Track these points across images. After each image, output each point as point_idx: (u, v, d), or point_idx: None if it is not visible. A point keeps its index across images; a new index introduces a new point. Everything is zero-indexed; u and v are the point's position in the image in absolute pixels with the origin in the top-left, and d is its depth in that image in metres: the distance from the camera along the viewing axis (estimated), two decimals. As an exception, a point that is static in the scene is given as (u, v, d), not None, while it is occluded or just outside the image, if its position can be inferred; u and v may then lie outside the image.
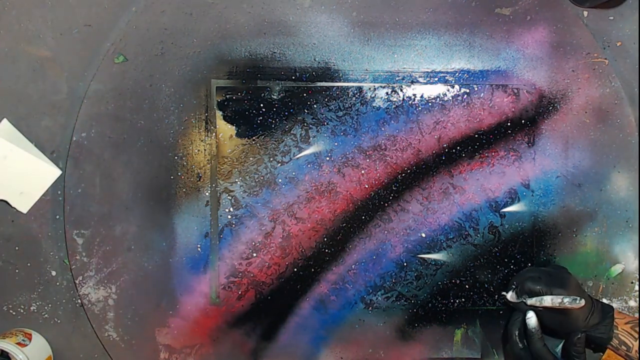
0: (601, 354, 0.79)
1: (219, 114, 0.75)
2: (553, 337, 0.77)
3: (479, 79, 0.77)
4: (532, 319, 0.69)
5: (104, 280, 0.75)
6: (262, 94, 0.75)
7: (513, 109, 0.77)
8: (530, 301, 0.68)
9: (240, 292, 0.77)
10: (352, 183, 0.77)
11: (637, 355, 0.68)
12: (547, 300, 0.66)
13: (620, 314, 0.70)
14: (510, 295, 0.72)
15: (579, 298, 0.65)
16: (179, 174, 0.76)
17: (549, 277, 0.69)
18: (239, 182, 0.76)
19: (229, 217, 0.76)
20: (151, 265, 0.76)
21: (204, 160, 0.76)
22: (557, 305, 0.65)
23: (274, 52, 0.75)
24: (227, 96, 0.75)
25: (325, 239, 0.77)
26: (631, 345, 0.68)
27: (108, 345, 0.76)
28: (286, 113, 0.76)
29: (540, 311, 0.69)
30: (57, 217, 0.76)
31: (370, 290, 0.78)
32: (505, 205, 0.78)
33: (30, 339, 0.74)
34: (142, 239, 0.76)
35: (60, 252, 0.76)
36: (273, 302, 0.78)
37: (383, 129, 0.76)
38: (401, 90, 0.77)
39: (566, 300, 0.65)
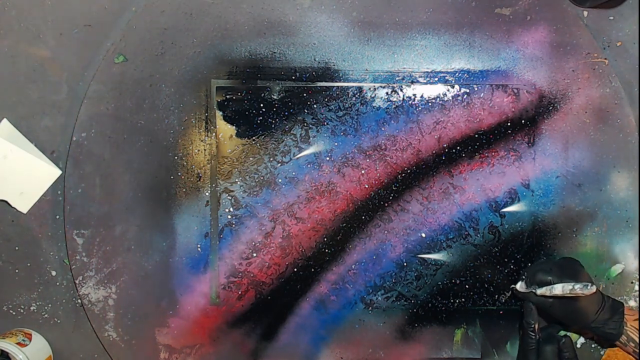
0: (602, 353, 0.79)
1: (219, 114, 0.75)
2: (563, 330, 0.77)
3: (479, 79, 0.77)
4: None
5: (104, 280, 0.75)
6: (262, 94, 0.75)
7: (513, 109, 0.77)
8: (540, 291, 0.67)
9: (240, 292, 0.77)
10: (352, 183, 0.77)
11: None
12: (558, 289, 0.65)
13: (629, 311, 0.70)
14: (519, 285, 0.70)
15: (590, 284, 0.63)
16: (179, 174, 0.76)
17: (560, 269, 0.69)
18: (239, 182, 0.76)
19: (229, 217, 0.76)
20: (151, 265, 0.76)
21: (204, 160, 0.76)
22: (568, 292, 0.64)
23: (274, 52, 0.75)
24: (227, 96, 0.75)
25: (325, 239, 0.77)
26: None
27: (108, 345, 0.76)
28: (286, 113, 0.76)
29: (550, 303, 0.69)
30: (57, 217, 0.76)
31: (370, 290, 0.78)
32: (505, 205, 0.78)
33: (30, 339, 0.74)
34: (142, 239, 0.76)
35: (60, 252, 0.76)
36: (273, 302, 0.78)
37: (383, 129, 0.76)
38: (401, 90, 0.76)
39: (577, 286, 0.63)
